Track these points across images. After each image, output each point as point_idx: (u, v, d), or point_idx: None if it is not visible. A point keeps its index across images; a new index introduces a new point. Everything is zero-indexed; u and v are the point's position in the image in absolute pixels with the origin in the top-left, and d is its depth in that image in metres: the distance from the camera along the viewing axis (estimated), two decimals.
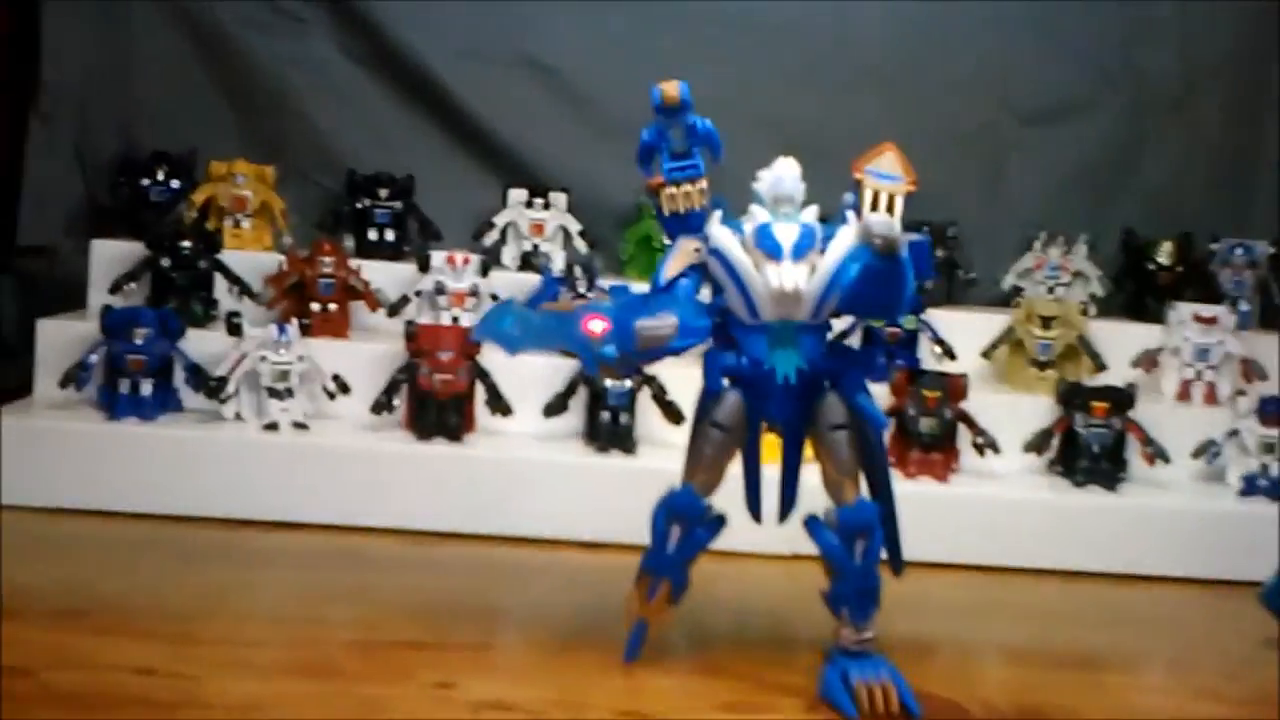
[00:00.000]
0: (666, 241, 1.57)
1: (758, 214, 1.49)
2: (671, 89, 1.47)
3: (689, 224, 1.51)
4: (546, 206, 2.49)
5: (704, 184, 1.50)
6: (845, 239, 1.47)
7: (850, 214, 1.50)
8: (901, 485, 2.05)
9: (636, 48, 2.55)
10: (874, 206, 1.54)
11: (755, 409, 1.50)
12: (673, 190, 1.49)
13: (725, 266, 1.48)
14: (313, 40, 2.59)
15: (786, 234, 1.47)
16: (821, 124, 2.52)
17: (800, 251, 1.46)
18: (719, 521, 1.54)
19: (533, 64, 2.63)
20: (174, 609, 1.63)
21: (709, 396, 1.51)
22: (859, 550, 1.48)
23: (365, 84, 2.61)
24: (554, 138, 2.60)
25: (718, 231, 1.49)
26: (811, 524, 1.50)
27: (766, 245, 1.46)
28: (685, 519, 1.50)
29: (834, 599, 1.49)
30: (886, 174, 1.54)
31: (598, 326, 1.43)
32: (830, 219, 1.51)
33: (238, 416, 2.07)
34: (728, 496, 1.55)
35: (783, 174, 1.50)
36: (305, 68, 2.59)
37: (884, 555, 1.53)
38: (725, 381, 1.50)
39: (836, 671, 1.46)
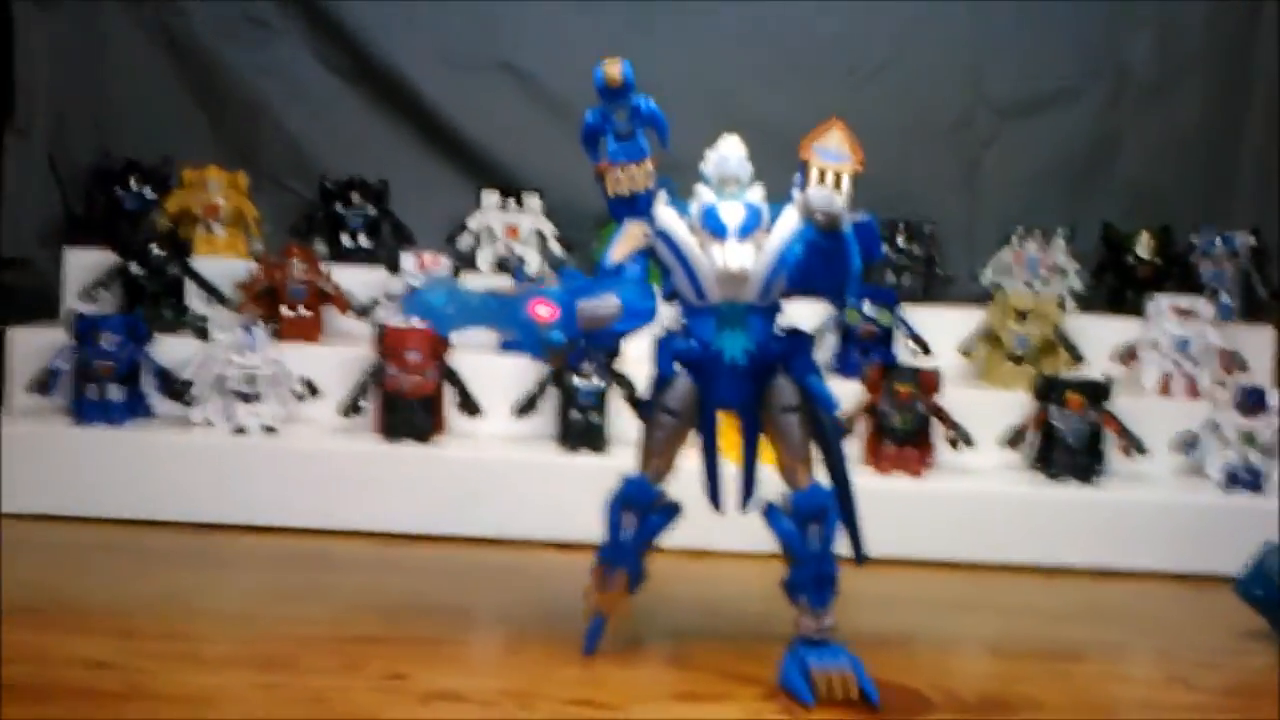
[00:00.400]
0: None
1: (703, 194, 1.48)
2: (614, 69, 1.46)
3: (635, 206, 1.49)
4: (520, 209, 2.48)
5: (649, 166, 1.49)
6: (792, 218, 1.46)
7: (796, 193, 1.48)
8: (875, 481, 2.08)
9: (610, 49, 2.50)
10: (821, 185, 1.52)
11: (707, 393, 1.49)
12: (617, 172, 1.48)
13: (671, 248, 1.47)
14: (285, 47, 2.60)
15: (732, 214, 1.46)
16: (795, 120, 2.47)
17: (746, 231, 1.46)
18: (673, 509, 1.52)
19: (506, 67, 2.64)
20: (132, 608, 1.62)
21: (659, 382, 1.50)
22: (814, 535, 1.46)
23: (339, 90, 2.62)
24: (528, 140, 2.60)
25: (663, 213, 1.48)
26: (769, 511, 1.49)
27: (712, 225, 1.46)
28: (638, 506, 1.49)
29: (791, 586, 1.47)
30: (833, 152, 1.52)
31: (544, 311, 1.41)
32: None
33: (206, 421, 2.06)
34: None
35: (727, 153, 1.49)
36: (278, 74, 2.60)
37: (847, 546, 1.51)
38: (676, 366, 1.49)
39: (796, 660, 1.44)
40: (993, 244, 2.62)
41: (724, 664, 1.52)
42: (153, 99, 2.59)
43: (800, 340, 1.52)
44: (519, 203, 2.48)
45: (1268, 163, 2.71)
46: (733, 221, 1.46)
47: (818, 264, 1.44)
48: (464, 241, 2.47)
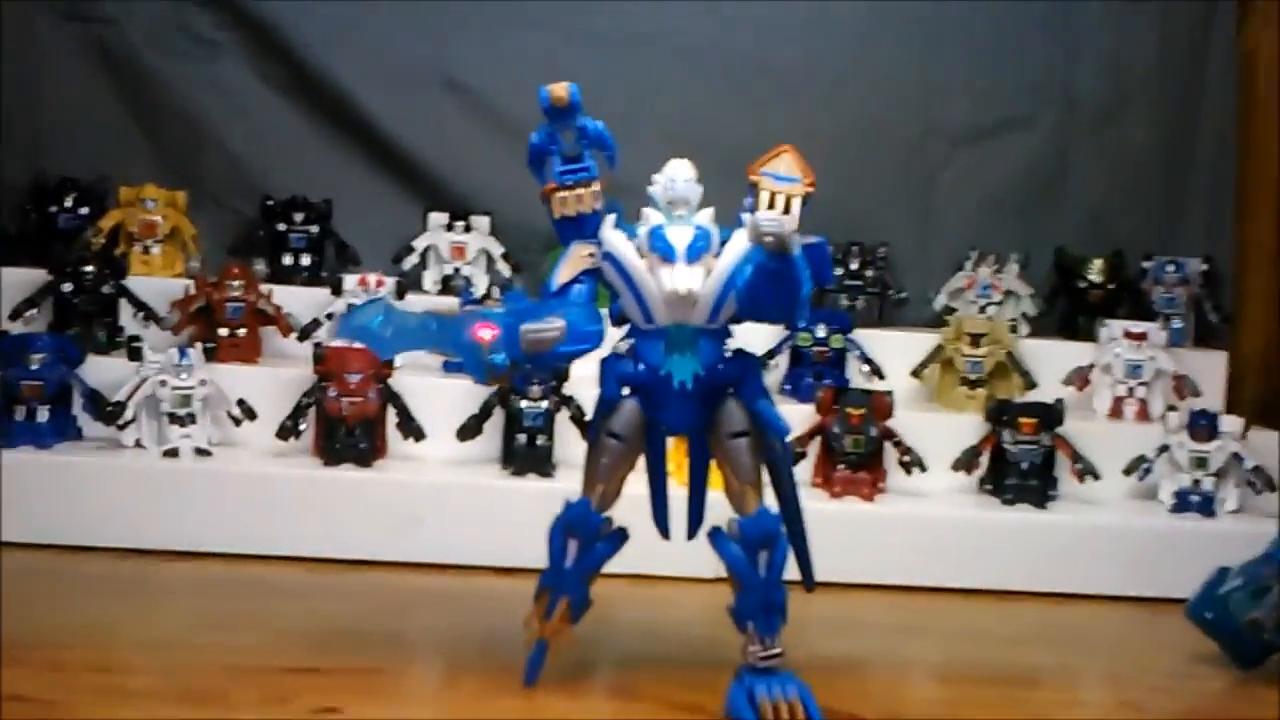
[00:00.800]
0: None
1: (651, 217, 1.45)
2: (560, 90, 1.44)
3: (582, 228, 1.47)
4: (468, 229, 2.44)
5: (596, 187, 1.47)
6: (741, 241, 1.43)
7: (746, 217, 1.46)
8: (827, 505, 2.05)
9: (557, 69, 2.47)
10: (771, 209, 1.51)
11: (654, 418, 1.46)
12: (564, 194, 1.46)
13: (619, 270, 1.44)
14: (226, 63, 2.55)
15: (680, 236, 1.43)
16: (746, 145, 2.45)
17: (695, 254, 1.42)
18: (619, 536, 1.48)
19: (452, 86, 2.60)
20: (56, 638, 1.55)
21: (605, 405, 1.46)
22: (763, 562, 1.42)
23: (281, 107, 2.57)
24: (475, 159, 2.56)
25: (611, 235, 1.45)
26: (715, 536, 1.45)
27: (660, 248, 1.42)
28: (582, 533, 1.45)
29: (739, 613, 1.43)
30: (783, 175, 1.50)
31: (487, 334, 1.38)
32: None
33: (138, 444, 2.00)
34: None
35: (675, 175, 1.45)
36: (220, 91, 2.55)
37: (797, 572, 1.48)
38: (625, 390, 1.46)
39: (743, 689, 1.40)
40: (946, 268, 2.61)
41: (669, 694, 1.47)
42: (91, 116, 2.53)
43: (748, 363, 1.48)
44: (466, 227, 2.44)
45: (1219, 187, 2.72)
46: (681, 244, 1.42)
47: (766, 287, 1.40)
48: (409, 262, 2.43)
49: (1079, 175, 2.74)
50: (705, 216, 1.45)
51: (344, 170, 2.57)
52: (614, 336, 1.47)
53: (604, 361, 1.47)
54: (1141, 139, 2.74)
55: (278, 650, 1.55)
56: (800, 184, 1.50)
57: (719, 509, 1.47)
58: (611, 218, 1.46)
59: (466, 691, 1.47)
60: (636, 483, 1.51)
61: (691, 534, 1.53)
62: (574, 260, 1.46)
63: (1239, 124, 2.68)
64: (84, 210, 2.39)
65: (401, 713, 1.39)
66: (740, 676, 1.41)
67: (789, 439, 1.53)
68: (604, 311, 1.46)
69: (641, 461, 1.50)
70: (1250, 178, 2.67)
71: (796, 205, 1.49)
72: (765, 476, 1.47)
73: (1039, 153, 2.74)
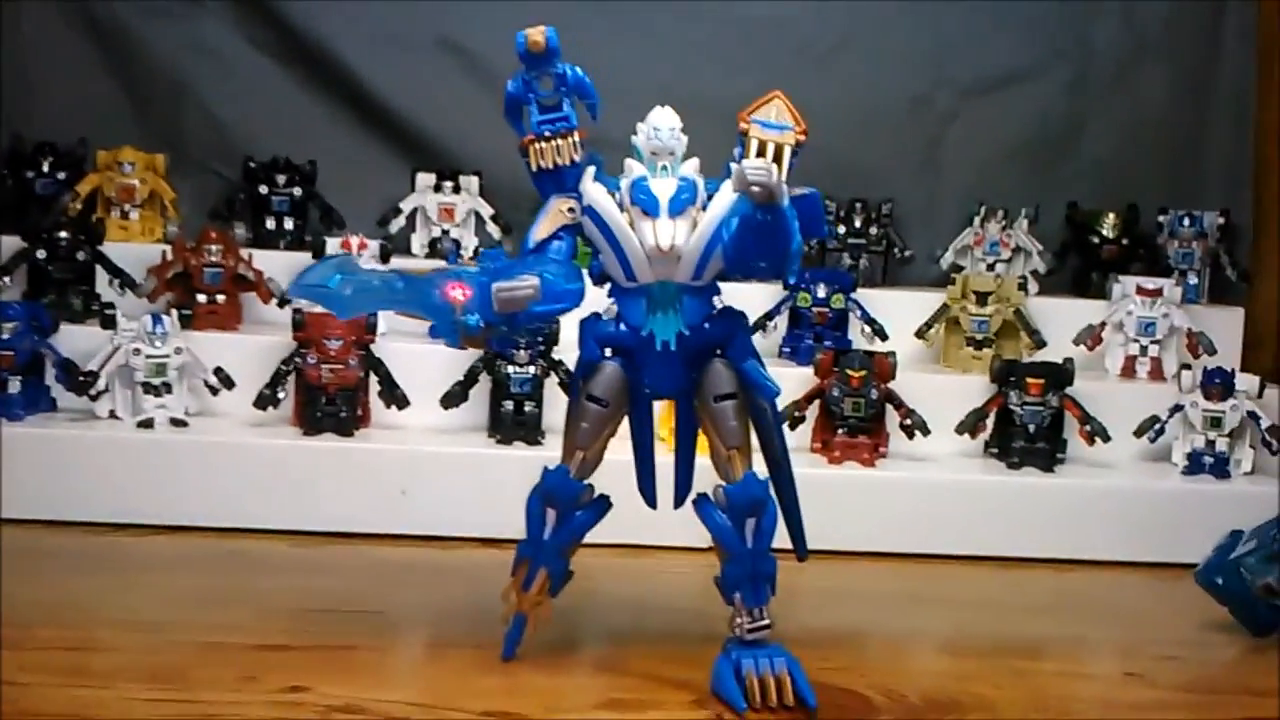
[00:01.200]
0: None
1: (634, 168, 1.37)
2: (537, 35, 1.35)
3: (562, 181, 1.38)
4: (456, 190, 2.37)
5: (576, 137, 1.38)
6: (728, 193, 1.35)
7: (733, 166, 1.37)
8: (826, 470, 1.98)
9: (554, 26, 2.43)
10: (760, 157, 1.42)
11: (638, 381, 1.39)
12: (541, 144, 1.37)
13: (599, 225, 1.36)
14: (210, 24, 2.47)
15: (664, 189, 1.35)
16: (747, 101, 2.41)
17: (679, 207, 1.34)
18: (601, 504, 1.41)
19: (442, 44, 2.52)
20: (23, 616, 1.49)
21: (585, 368, 1.39)
22: (750, 530, 1.35)
23: (266, 68, 2.49)
24: (465, 119, 2.48)
25: (591, 188, 1.37)
26: (700, 504, 1.38)
27: (642, 200, 1.34)
28: (560, 502, 1.38)
29: (726, 584, 1.36)
30: (774, 123, 1.41)
31: (459, 294, 1.30)
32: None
33: (112, 414, 1.94)
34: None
35: (660, 124, 1.37)
36: (202, 52, 2.47)
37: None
38: (608, 351, 1.38)
39: (729, 663, 1.33)
40: (954, 225, 2.53)
41: (653, 668, 1.41)
42: (71, 79, 2.46)
43: (736, 321, 1.40)
44: (455, 188, 2.37)
45: (1235, 141, 2.63)
46: (664, 196, 1.34)
47: (753, 240, 1.32)
48: (396, 224, 2.36)
49: (1092, 128, 2.65)
50: (690, 168, 1.37)
51: (329, 131, 2.49)
52: (598, 296, 1.40)
53: (583, 322, 1.40)
54: (1157, 91, 2.65)
55: (251, 627, 1.49)
56: (792, 132, 1.41)
57: (707, 475, 1.40)
58: (591, 170, 1.38)
59: (445, 668, 1.41)
60: (622, 449, 1.44)
61: (679, 502, 1.45)
62: (552, 215, 1.37)
63: (1258, 73, 2.59)
64: (62, 175, 2.32)
65: (373, 692, 1.33)
66: (727, 650, 1.35)
67: (779, 403, 1.46)
68: (585, 270, 1.39)
69: (625, 428, 1.43)
70: (1269, 129, 2.57)
71: (787, 154, 1.40)
72: (754, 441, 1.41)
73: (1051, 105, 2.65)
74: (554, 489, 1.38)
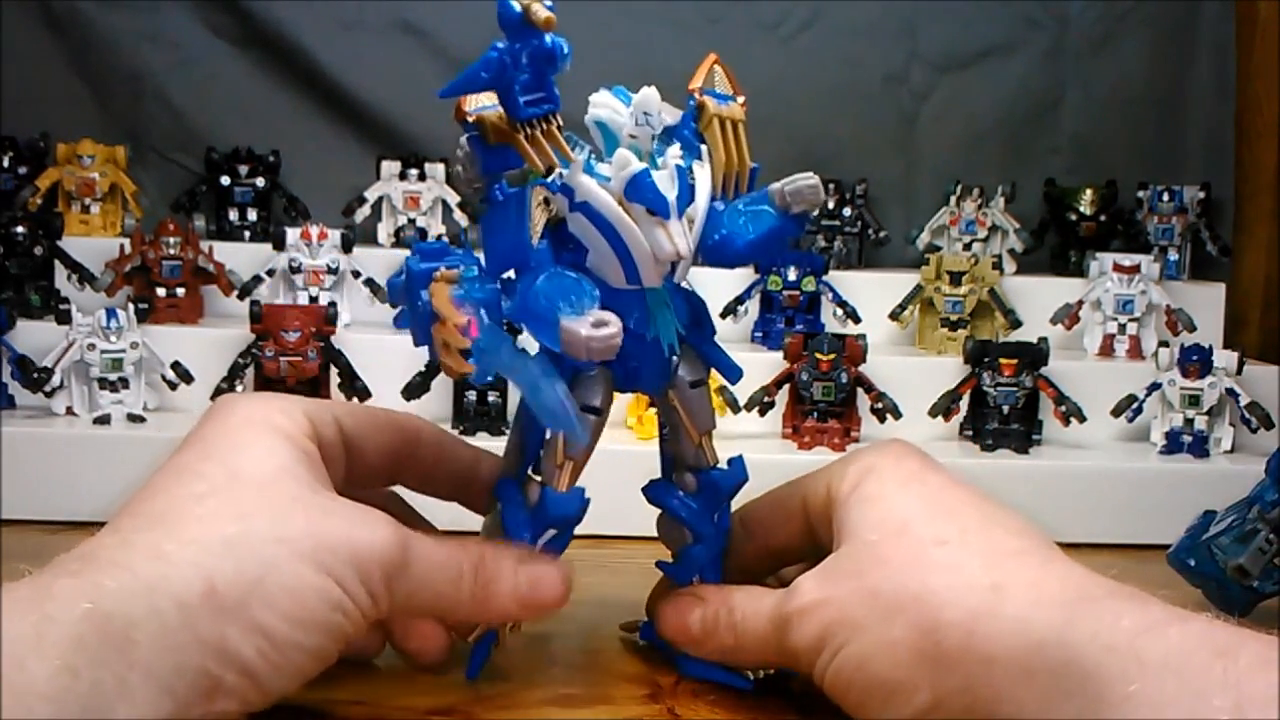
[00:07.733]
0: None
1: (629, 160, 1.14)
2: (544, 10, 1.08)
3: (508, 160, 1.17)
4: (422, 178, 2.34)
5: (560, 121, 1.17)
6: (704, 180, 1.19)
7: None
8: (798, 456, 1.94)
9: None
10: (723, 140, 1.31)
11: (626, 380, 1.26)
12: (537, 132, 1.11)
13: (599, 225, 1.15)
14: (170, 13, 2.43)
15: (668, 185, 1.15)
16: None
17: (683, 206, 1.17)
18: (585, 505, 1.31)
19: (406, 28, 2.48)
20: None
21: (576, 378, 1.22)
22: (716, 512, 1.31)
23: (227, 57, 2.45)
24: (431, 105, 2.39)
25: (586, 183, 1.14)
26: (659, 490, 1.32)
27: (651, 199, 1.13)
28: (568, 523, 1.27)
29: (687, 567, 1.31)
30: (722, 94, 1.25)
31: (462, 321, 1.06)
32: None
33: (69, 411, 1.92)
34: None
35: (650, 109, 1.17)
36: (161, 41, 2.43)
37: None
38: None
39: None
40: (929, 204, 2.50)
41: (610, 662, 1.38)
42: (29, 70, 2.42)
43: (699, 305, 1.30)
44: (421, 175, 2.34)
45: (1216, 115, 2.58)
46: (672, 195, 1.15)
47: (774, 245, 1.21)
48: (361, 214, 2.33)
49: (1070, 103, 2.61)
50: (677, 154, 1.17)
51: (293, 120, 2.45)
52: None
53: None
54: (1135, 65, 2.60)
55: None
56: (736, 104, 1.25)
57: (647, 462, 1.35)
58: (581, 159, 1.16)
59: (390, 664, 1.37)
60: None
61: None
62: (540, 209, 1.16)
63: (1239, 43, 2.54)
64: (22, 170, 2.30)
65: (313, 694, 1.28)
66: None
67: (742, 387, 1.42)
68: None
69: None
70: (1252, 99, 2.53)
71: (743, 130, 1.24)
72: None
73: (1027, 80, 2.61)
74: (572, 512, 1.25)
